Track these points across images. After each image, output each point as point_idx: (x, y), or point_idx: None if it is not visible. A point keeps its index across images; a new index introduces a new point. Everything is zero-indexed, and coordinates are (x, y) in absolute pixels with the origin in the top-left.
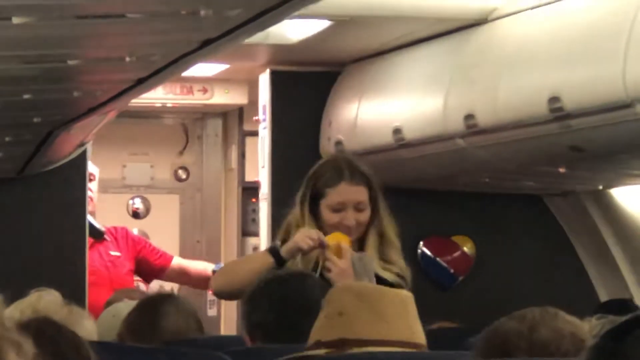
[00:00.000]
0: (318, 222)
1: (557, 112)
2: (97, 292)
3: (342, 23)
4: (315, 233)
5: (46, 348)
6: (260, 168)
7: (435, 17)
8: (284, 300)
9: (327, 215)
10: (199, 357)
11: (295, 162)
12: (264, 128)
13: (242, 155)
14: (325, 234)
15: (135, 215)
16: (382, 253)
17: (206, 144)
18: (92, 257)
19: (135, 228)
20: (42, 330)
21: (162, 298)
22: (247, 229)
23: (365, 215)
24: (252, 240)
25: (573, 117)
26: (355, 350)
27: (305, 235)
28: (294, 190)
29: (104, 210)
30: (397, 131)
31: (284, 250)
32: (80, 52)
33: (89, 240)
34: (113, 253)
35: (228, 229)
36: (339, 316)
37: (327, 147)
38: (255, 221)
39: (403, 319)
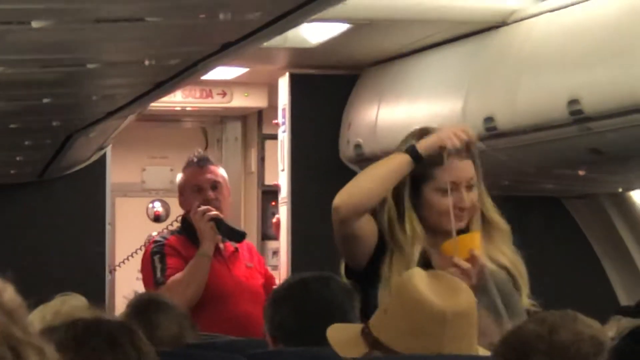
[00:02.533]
0: (420, 212)
1: (577, 114)
2: (238, 302)
3: (361, 26)
4: (464, 132)
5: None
6: (279, 171)
7: (454, 20)
8: (306, 303)
9: (436, 200)
10: None
11: (315, 166)
12: (284, 131)
13: (261, 159)
14: (433, 224)
15: (157, 218)
16: (488, 240)
17: (226, 148)
18: (234, 267)
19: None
20: (115, 336)
21: (149, 306)
22: (267, 232)
23: (476, 195)
24: (271, 244)
25: (592, 120)
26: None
27: (452, 132)
28: (313, 193)
29: (123, 213)
30: None
31: (421, 147)
32: (99, 56)
33: (228, 249)
34: (248, 264)
35: (248, 233)
36: (384, 313)
37: (346, 150)
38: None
39: (436, 334)
